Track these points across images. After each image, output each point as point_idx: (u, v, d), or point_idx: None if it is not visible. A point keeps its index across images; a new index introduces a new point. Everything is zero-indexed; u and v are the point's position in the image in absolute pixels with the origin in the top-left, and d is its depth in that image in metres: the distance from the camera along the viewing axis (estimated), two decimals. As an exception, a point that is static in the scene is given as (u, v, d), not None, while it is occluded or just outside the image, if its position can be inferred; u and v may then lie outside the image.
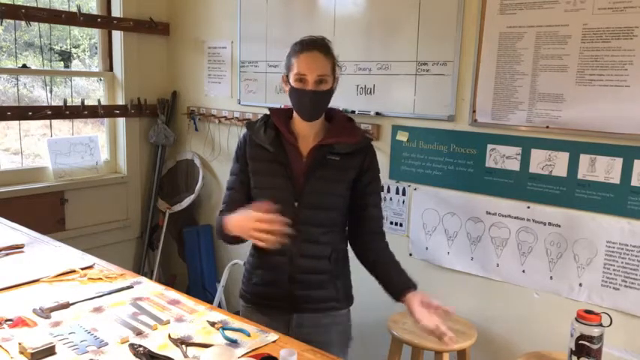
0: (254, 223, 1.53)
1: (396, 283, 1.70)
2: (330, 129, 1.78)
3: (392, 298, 1.70)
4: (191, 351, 1.26)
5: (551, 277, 2.18)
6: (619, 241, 2.01)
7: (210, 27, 3.34)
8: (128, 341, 1.29)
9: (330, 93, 1.73)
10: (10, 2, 2.84)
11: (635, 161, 1.96)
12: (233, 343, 1.31)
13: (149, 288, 1.61)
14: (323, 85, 1.69)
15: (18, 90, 3.14)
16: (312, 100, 1.68)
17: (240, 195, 1.79)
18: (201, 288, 3.42)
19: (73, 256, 1.84)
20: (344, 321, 1.85)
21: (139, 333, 1.33)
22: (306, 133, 1.76)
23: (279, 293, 1.75)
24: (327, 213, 1.75)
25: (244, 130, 1.83)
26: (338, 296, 1.81)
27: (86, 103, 3.18)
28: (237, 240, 1.68)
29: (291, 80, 1.70)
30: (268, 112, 1.82)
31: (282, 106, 1.85)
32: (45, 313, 1.40)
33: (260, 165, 1.76)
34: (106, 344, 1.27)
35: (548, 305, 2.19)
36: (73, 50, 3.47)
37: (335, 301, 1.80)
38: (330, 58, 1.72)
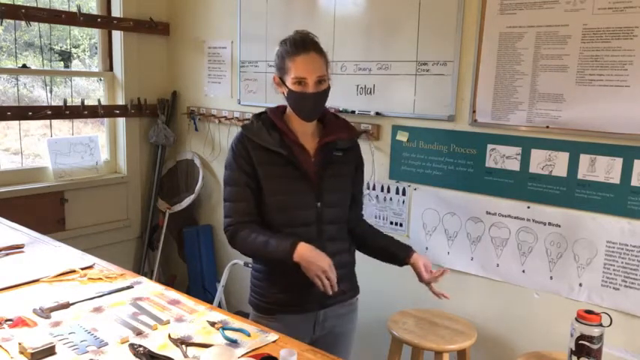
0: (328, 268, 1.59)
1: (400, 251, 1.85)
2: (325, 126, 1.80)
3: (397, 264, 1.85)
4: (191, 351, 1.26)
5: (551, 277, 2.18)
6: (619, 241, 2.01)
7: (210, 27, 3.34)
8: (128, 341, 1.29)
9: (327, 92, 1.73)
10: (10, 2, 2.84)
11: (635, 161, 1.95)
12: (233, 343, 1.31)
13: (149, 288, 1.61)
14: (322, 85, 1.69)
15: (18, 90, 3.14)
16: (314, 102, 1.69)
17: (253, 205, 1.71)
18: (201, 288, 3.42)
19: (73, 256, 1.84)
20: (355, 309, 1.91)
21: (139, 333, 1.33)
22: (306, 130, 1.77)
23: (310, 295, 1.72)
24: (342, 208, 1.81)
25: (238, 135, 1.75)
26: (353, 286, 1.88)
27: (86, 103, 3.18)
28: (279, 263, 1.66)
29: (289, 83, 1.68)
30: (258, 113, 1.80)
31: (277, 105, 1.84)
32: (45, 313, 1.40)
33: (272, 169, 1.70)
34: (106, 344, 1.27)
35: (548, 305, 2.19)
36: (73, 50, 3.47)
37: (352, 291, 1.87)
38: (324, 57, 1.71)
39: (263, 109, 1.84)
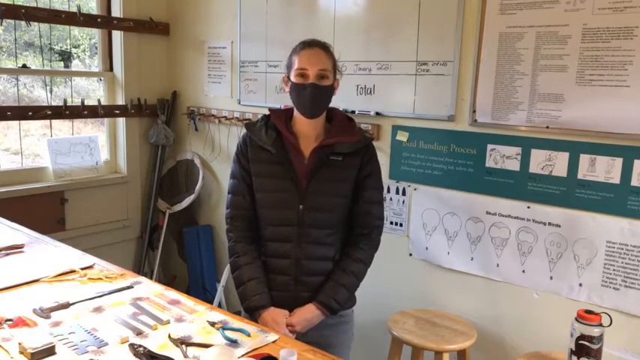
0: (275, 329, 1.62)
1: (322, 288, 1.76)
2: (330, 129, 1.78)
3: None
4: (191, 351, 1.26)
5: (551, 277, 2.18)
6: (619, 241, 2.01)
7: (210, 27, 3.34)
8: (128, 341, 1.29)
9: (330, 90, 1.73)
10: (10, 2, 2.84)
11: (635, 161, 1.95)
12: (233, 343, 1.31)
13: (149, 288, 1.61)
14: (324, 80, 1.70)
15: (18, 90, 3.14)
16: (313, 94, 1.68)
17: (246, 200, 1.79)
18: (201, 288, 3.42)
19: (73, 256, 1.83)
20: (347, 321, 1.86)
21: (139, 333, 1.33)
22: (308, 133, 1.76)
23: (285, 295, 1.75)
24: (331, 214, 1.76)
25: (243, 132, 1.83)
26: None
27: (86, 103, 3.18)
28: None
29: (293, 76, 1.72)
30: (268, 113, 1.82)
31: (283, 107, 1.85)
32: (45, 313, 1.40)
33: (262, 167, 1.75)
34: (106, 344, 1.27)
35: (548, 305, 2.19)
36: (73, 50, 3.46)
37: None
38: (331, 57, 1.74)
39: (264, 109, 1.86)
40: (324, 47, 1.74)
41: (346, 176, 1.76)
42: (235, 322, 1.43)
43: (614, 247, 2.02)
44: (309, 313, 1.71)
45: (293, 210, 1.72)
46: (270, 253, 1.77)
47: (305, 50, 1.71)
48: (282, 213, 1.74)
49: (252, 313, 1.72)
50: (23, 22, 2.88)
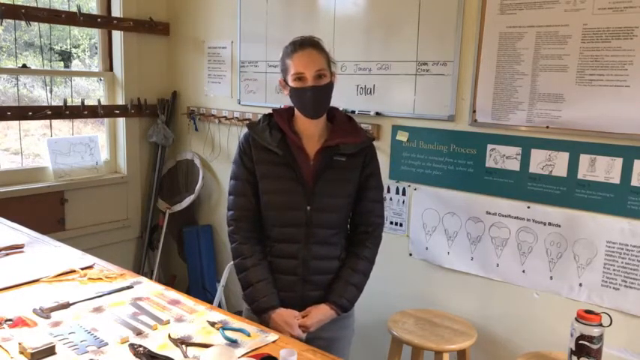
0: (287, 330, 1.64)
1: (330, 291, 1.77)
2: (333, 129, 1.78)
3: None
4: (191, 351, 1.26)
5: (551, 277, 2.18)
6: (619, 241, 2.01)
7: (210, 27, 3.34)
8: (128, 341, 1.29)
9: (330, 87, 1.73)
10: (10, 2, 2.84)
11: (635, 161, 1.95)
12: (233, 343, 1.31)
13: (149, 288, 1.61)
14: (322, 79, 1.69)
15: (18, 90, 3.14)
16: (314, 96, 1.68)
17: (251, 201, 1.78)
18: (201, 288, 3.42)
19: (73, 256, 1.84)
20: (349, 316, 1.88)
21: (139, 333, 1.33)
22: (311, 132, 1.76)
23: (292, 295, 1.76)
24: (337, 214, 1.77)
25: (244, 132, 1.82)
26: None
27: (86, 103, 3.18)
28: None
29: (290, 81, 1.70)
30: (268, 113, 1.81)
31: (282, 106, 1.85)
32: (45, 313, 1.40)
33: (268, 168, 1.75)
34: (106, 344, 1.27)
35: (548, 305, 2.19)
36: (73, 50, 3.46)
37: None
38: (324, 54, 1.73)
39: (267, 109, 1.85)
40: (316, 45, 1.71)
41: (350, 177, 1.77)
42: (235, 322, 1.43)
43: (614, 247, 2.02)
44: (322, 315, 1.73)
45: (301, 211, 1.72)
46: (277, 253, 1.77)
47: (297, 53, 1.69)
48: (290, 214, 1.73)
49: (261, 314, 1.71)
50: (23, 22, 2.88)
